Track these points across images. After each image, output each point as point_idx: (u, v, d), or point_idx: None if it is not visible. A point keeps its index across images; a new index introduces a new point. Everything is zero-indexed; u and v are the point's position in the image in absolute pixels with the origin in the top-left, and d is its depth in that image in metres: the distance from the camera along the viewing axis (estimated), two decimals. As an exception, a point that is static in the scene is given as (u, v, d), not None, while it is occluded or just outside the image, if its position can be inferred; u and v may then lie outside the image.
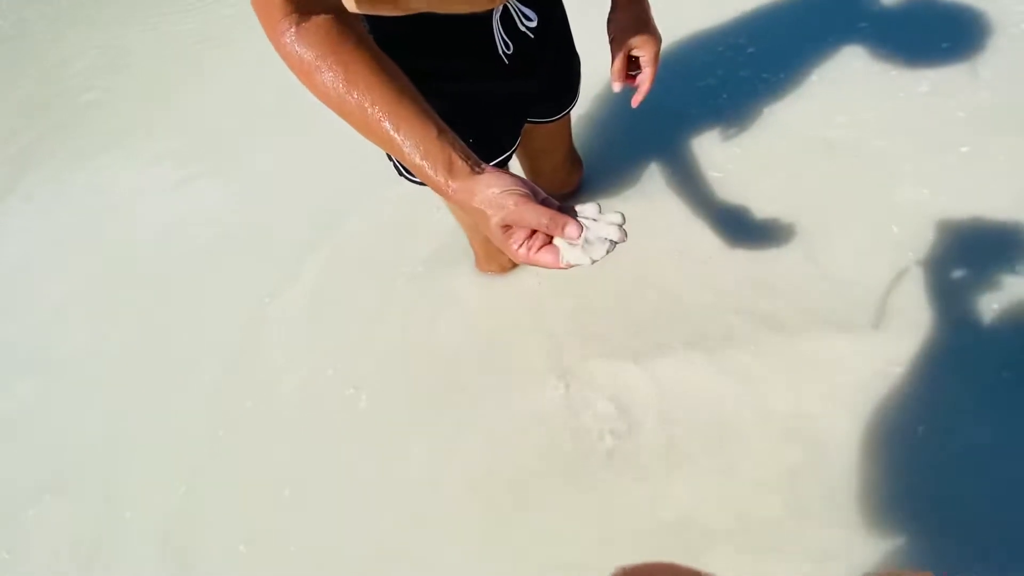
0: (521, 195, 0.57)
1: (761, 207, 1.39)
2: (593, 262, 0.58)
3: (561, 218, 0.57)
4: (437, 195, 0.63)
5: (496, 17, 0.82)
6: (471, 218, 0.68)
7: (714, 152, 1.52)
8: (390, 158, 0.90)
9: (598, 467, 1.16)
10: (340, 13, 0.61)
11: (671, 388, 1.21)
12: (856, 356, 1.16)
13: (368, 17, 0.75)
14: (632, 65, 0.90)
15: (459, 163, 0.59)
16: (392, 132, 0.59)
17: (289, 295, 1.55)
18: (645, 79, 0.88)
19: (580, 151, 1.47)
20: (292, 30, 0.59)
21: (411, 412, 1.30)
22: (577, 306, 1.35)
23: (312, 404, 1.36)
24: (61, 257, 1.86)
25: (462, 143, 0.61)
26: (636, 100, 0.91)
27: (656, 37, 0.88)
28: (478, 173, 0.59)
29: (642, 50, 0.87)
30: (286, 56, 0.61)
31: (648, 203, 1.46)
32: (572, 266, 0.58)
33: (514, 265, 1.35)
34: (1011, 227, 1.24)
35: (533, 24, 0.88)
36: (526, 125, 1.02)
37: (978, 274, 1.20)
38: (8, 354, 1.66)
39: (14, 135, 2.33)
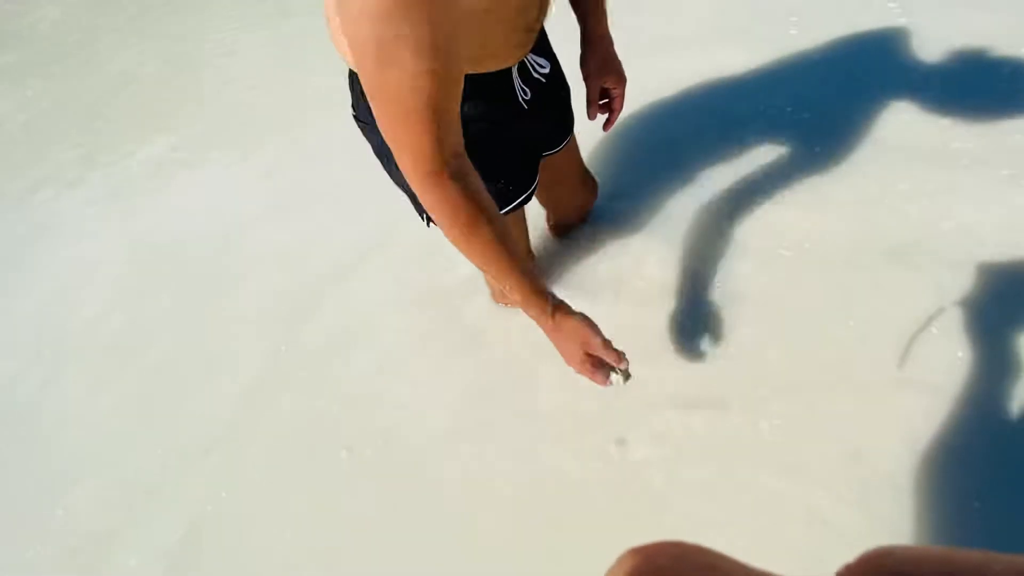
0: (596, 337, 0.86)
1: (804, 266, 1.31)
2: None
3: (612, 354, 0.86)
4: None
5: (514, 70, 0.91)
6: (556, 343, 0.91)
7: (741, 198, 1.45)
8: (415, 208, 1.00)
9: (635, 502, 1.11)
10: (462, 156, 0.74)
11: (702, 423, 1.17)
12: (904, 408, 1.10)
13: None
14: (602, 95, 1.06)
15: (549, 306, 0.85)
16: (511, 272, 0.81)
17: (307, 328, 1.55)
18: (615, 108, 1.07)
19: (603, 179, 1.47)
20: (445, 174, 0.71)
21: (428, 446, 1.28)
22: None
23: (320, 442, 1.33)
24: (112, 252, 1.94)
25: (551, 292, 0.86)
26: (608, 126, 1.10)
27: (622, 73, 1.05)
28: (564, 316, 0.85)
29: (612, 84, 1.04)
30: (442, 198, 0.73)
31: (663, 242, 1.43)
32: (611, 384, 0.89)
33: None
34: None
35: (546, 71, 1.00)
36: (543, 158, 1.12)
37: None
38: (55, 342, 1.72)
39: (82, 134, 2.47)
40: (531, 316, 0.87)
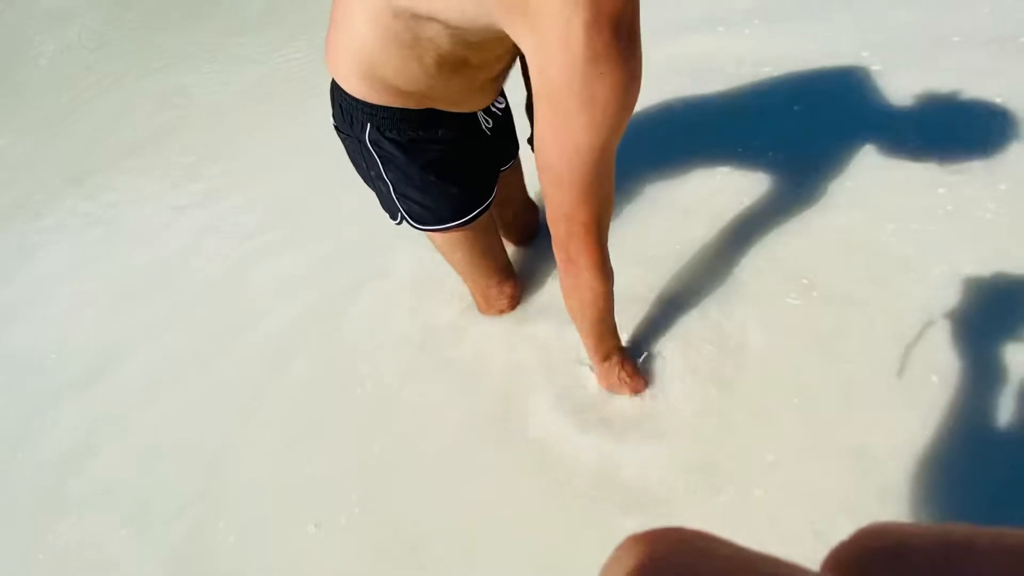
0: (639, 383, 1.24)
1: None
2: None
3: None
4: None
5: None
6: (612, 386, 1.24)
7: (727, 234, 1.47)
8: (384, 206, 1.14)
9: (614, 513, 1.11)
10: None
11: (686, 429, 1.17)
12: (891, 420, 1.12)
13: (401, 110, 0.94)
14: None
15: (621, 360, 1.20)
16: (609, 333, 1.13)
17: (289, 376, 1.53)
18: None
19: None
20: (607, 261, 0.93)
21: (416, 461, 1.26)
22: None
23: (294, 510, 1.29)
24: (101, 288, 1.94)
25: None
26: None
27: None
28: (628, 359, 1.23)
29: None
30: (601, 282, 0.94)
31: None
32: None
33: (512, 307, 1.48)
34: None
35: (502, 106, 1.22)
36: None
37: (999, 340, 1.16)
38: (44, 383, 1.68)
39: (75, 170, 2.49)
40: (605, 356, 1.18)
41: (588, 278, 0.93)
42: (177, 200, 2.20)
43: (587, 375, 1.30)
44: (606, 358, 1.19)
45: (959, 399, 1.10)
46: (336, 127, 1.04)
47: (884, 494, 1.04)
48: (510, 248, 1.54)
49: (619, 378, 1.22)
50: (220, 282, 1.83)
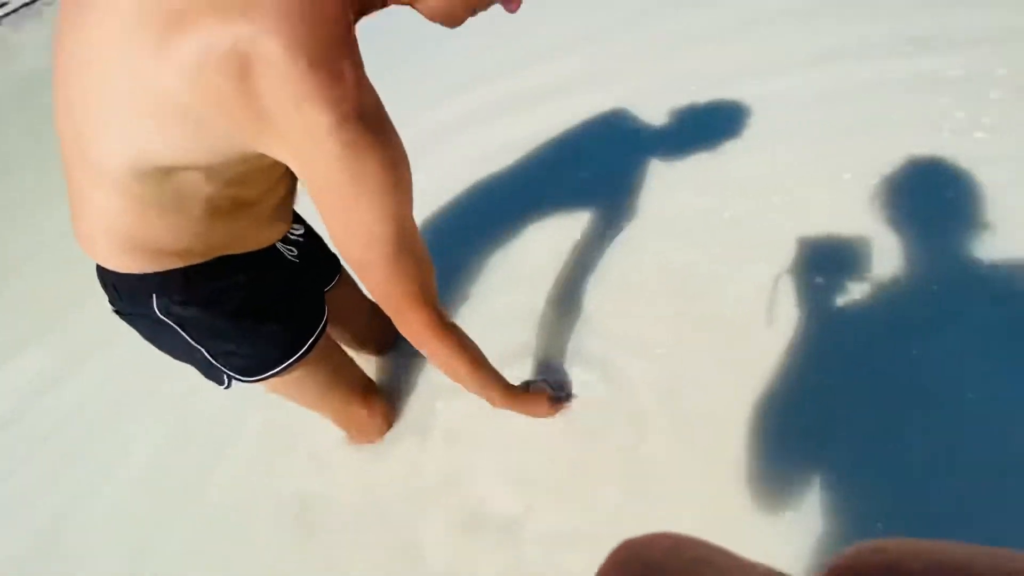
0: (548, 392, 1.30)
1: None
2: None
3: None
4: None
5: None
6: (529, 412, 1.24)
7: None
8: (206, 374, 1.04)
9: None
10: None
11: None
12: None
13: (185, 269, 0.85)
14: None
15: (516, 391, 1.17)
16: (495, 379, 1.09)
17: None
18: None
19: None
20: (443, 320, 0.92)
21: None
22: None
23: None
24: None
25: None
26: None
27: None
28: (525, 391, 1.24)
29: None
30: (446, 339, 0.92)
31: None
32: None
33: (389, 424, 1.42)
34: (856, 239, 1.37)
35: (301, 231, 1.19)
36: (326, 294, 1.25)
37: (833, 281, 1.32)
38: None
39: None
40: (507, 404, 1.15)
41: (437, 344, 0.92)
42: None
43: (474, 484, 1.26)
44: (503, 400, 1.15)
45: (802, 380, 1.20)
46: (116, 311, 0.93)
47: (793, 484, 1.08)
48: (372, 368, 1.49)
49: (527, 409, 1.23)
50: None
